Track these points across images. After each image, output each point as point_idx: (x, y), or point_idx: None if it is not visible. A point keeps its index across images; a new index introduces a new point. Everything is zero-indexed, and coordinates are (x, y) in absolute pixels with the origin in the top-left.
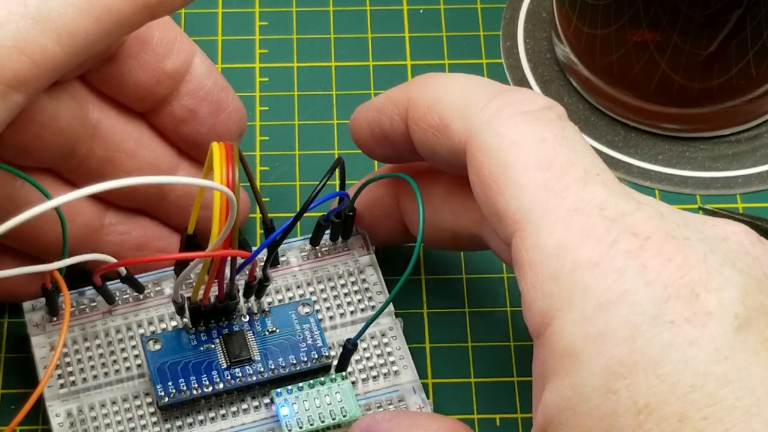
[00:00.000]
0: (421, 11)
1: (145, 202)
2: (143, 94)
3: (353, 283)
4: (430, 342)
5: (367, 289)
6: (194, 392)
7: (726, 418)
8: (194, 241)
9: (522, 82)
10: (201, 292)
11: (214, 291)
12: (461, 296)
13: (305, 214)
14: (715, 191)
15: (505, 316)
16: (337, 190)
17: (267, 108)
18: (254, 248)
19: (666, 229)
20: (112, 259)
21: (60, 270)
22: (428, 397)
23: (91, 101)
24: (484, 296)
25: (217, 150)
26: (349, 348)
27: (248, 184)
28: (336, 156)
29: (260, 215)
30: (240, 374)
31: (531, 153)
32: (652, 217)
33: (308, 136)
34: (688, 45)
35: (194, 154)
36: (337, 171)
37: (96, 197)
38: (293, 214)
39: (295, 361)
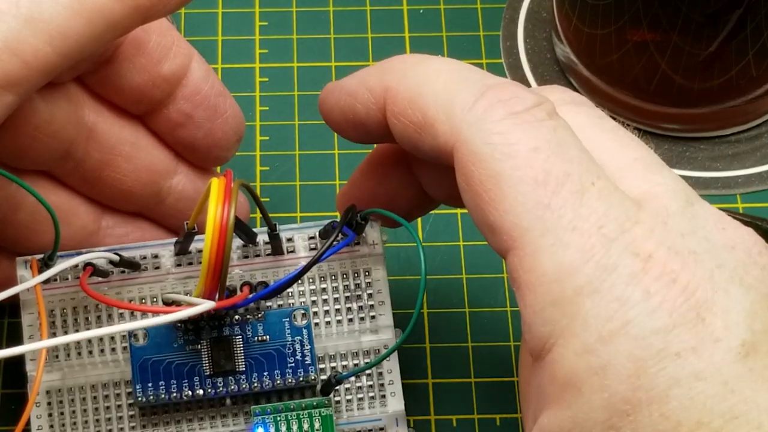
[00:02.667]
0: (421, 11)
1: (143, 205)
2: (139, 97)
3: (357, 287)
4: (430, 342)
5: (369, 285)
6: (172, 397)
7: None
8: (195, 236)
9: (522, 82)
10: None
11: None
12: (461, 296)
13: (305, 214)
14: (715, 191)
15: (505, 316)
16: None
17: (267, 108)
18: (249, 296)
19: (669, 244)
20: (113, 256)
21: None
22: (429, 402)
23: (87, 104)
24: (484, 296)
25: (215, 185)
26: (333, 382)
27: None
28: (336, 156)
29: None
30: (222, 384)
31: (525, 165)
32: (653, 228)
33: (308, 136)
34: (688, 45)
35: (191, 158)
36: (342, 221)
37: (92, 200)
38: (293, 215)
39: (279, 378)
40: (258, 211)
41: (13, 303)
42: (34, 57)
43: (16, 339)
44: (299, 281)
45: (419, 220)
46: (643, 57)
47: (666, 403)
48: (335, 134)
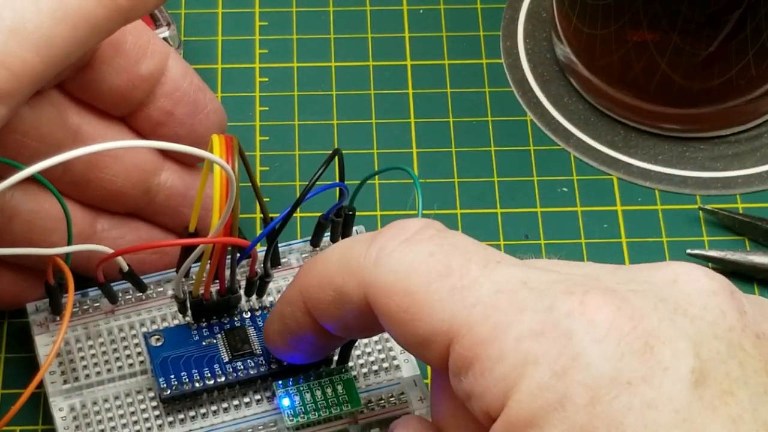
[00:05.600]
0: (421, 11)
1: (134, 205)
2: (119, 99)
3: None
4: None
5: None
6: (196, 385)
7: None
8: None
9: (522, 82)
10: (202, 287)
11: (215, 286)
12: None
13: (305, 214)
14: (715, 191)
15: None
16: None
17: (267, 108)
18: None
19: (606, 285)
20: (110, 249)
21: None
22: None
23: (70, 108)
24: None
25: (217, 140)
26: (350, 340)
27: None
28: None
29: (261, 214)
30: (242, 367)
31: (426, 270)
32: (586, 276)
33: (308, 136)
34: (688, 45)
35: (177, 156)
36: (336, 165)
37: (85, 204)
38: (293, 215)
39: None
40: (258, 209)
41: (13, 308)
42: (22, 68)
43: (16, 339)
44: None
45: (420, 213)
46: (643, 57)
47: (621, 430)
48: (335, 134)
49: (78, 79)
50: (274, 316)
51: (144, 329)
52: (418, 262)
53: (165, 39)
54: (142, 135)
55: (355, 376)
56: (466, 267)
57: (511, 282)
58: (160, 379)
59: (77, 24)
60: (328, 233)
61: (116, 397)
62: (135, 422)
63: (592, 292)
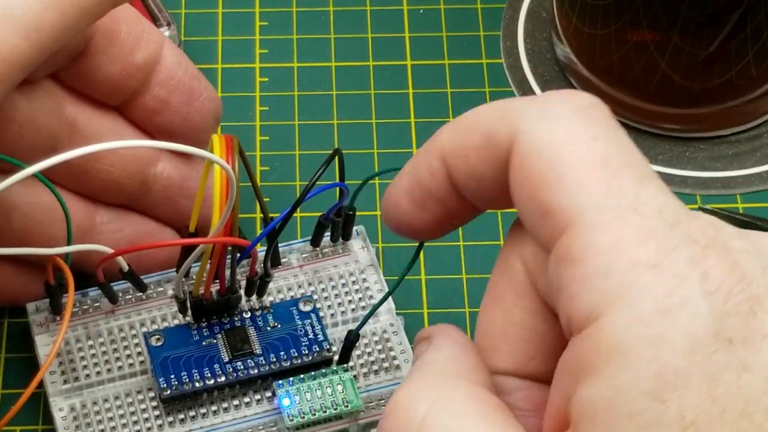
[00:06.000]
0: (421, 11)
1: (131, 196)
2: (114, 88)
3: (354, 283)
4: None
5: (367, 288)
6: (196, 384)
7: None
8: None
9: (522, 82)
10: (202, 287)
11: (215, 286)
12: (461, 296)
13: (305, 214)
14: (715, 191)
15: None
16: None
17: (267, 108)
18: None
19: (723, 240)
20: (110, 250)
21: (65, 260)
22: None
23: (66, 98)
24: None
25: (217, 140)
26: (351, 339)
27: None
28: None
29: (261, 214)
30: (242, 367)
31: (585, 150)
32: (708, 227)
33: (308, 136)
34: (688, 45)
35: None
36: (336, 165)
37: (84, 195)
38: (294, 215)
39: (296, 354)
40: (258, 209)
41: (13, 303)
42: (11, 53)
43: (16, 339)
44: (298, 283)
45: None
46: (643, 57)
47: (716, 385)
48: (335, 134)
49: (72, 68)
50: (403, 172)
51: (144, 329)
52: (581, 138)
53: None
54: (137, 124)
55: (355, 376)
56: (620, 170)
57: (651, 205)
58: (160, 379)
59: (65, 8)
60: (328, 233)
61: (116, 397)
62: (135, 422)
63: (713, 247)
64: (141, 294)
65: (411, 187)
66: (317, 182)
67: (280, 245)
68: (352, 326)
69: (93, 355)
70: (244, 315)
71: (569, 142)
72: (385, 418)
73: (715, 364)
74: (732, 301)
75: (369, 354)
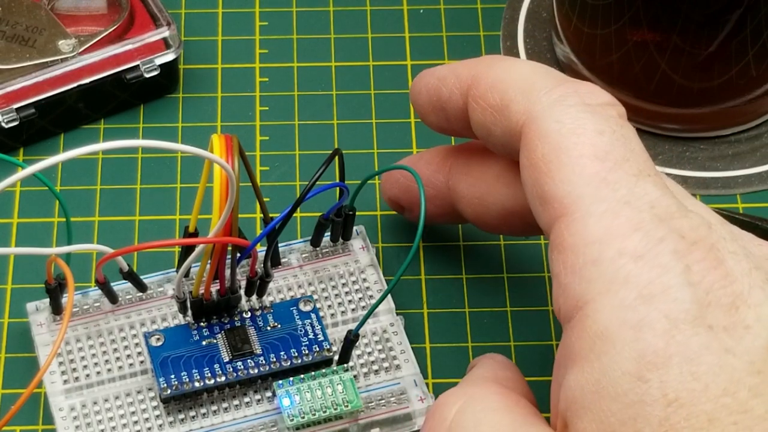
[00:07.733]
0: (421, 11)
1: None
2: None
3: (354, 283)
4: (430, 342)
5: (367, 288)
6: (196, 384)
7: (755, 427)
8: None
9: None
10: (202, 287)
11: (215, 286)
12: (461, 296)
13: (305, 214)
14: (715, 191)
15: (506, 316)
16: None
17: (267, 108)
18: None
19: (713, 241)
20: (110, 250)
21: (66, 260)
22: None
23: None
24: (484, 296)
25: (217, 140)
26: (351, 339)
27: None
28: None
29: (261, 214)
30: (242, 367)
31: (588, 142)
32: (699, 225)
33: (308, 136)
34: (688, 45)
35: None
36: (336, 165)
37: None
38: (294, 215)
39: (296, 354)
40: (258, 209)
41: None
42: None
43: (16, 338)
44: (298, 283)
45: (422, 212)
46: (643, 57)
47: (696, 364)
48: (335, 134)
49: None
50: (435, 74)
51: (144, 329)
52: (586, 131)
53: (165, 39)
54: None
55: (355, 376)
56: (619, 164)
57: (644, 199)
58: (160, 379)
59: None
60: (328, 233)
61: (116, 397)
62: (135, 422)
63: (701, 244)
64: (141, 294)
65: (433, 91)
66: (317, 182)
67: (280, 245)
68: (352, 326)
69: (93, 355)
70: (244, 315)
71: (575, 133)
72: (426, 419)
73: (696, 346)
74: (714, 294)
75: (369, 354)
